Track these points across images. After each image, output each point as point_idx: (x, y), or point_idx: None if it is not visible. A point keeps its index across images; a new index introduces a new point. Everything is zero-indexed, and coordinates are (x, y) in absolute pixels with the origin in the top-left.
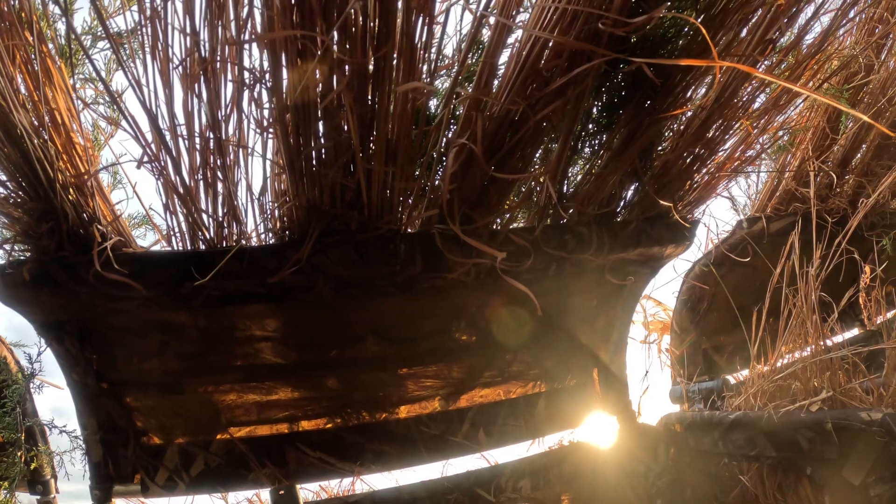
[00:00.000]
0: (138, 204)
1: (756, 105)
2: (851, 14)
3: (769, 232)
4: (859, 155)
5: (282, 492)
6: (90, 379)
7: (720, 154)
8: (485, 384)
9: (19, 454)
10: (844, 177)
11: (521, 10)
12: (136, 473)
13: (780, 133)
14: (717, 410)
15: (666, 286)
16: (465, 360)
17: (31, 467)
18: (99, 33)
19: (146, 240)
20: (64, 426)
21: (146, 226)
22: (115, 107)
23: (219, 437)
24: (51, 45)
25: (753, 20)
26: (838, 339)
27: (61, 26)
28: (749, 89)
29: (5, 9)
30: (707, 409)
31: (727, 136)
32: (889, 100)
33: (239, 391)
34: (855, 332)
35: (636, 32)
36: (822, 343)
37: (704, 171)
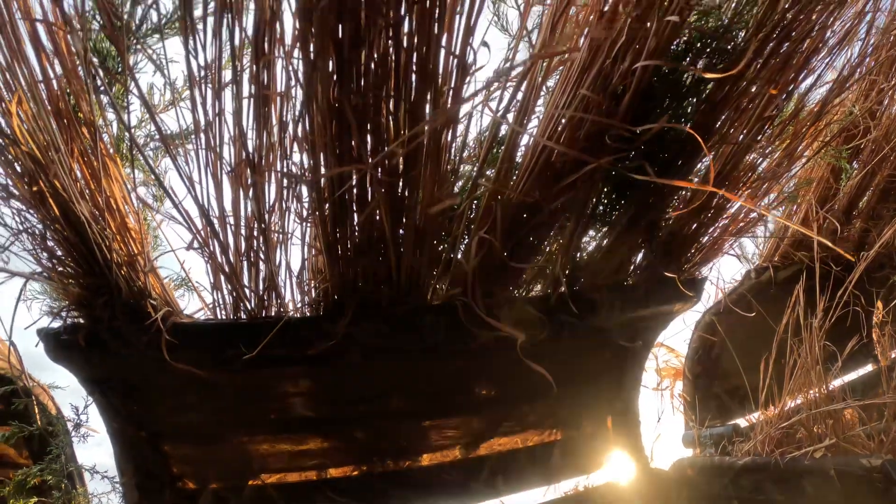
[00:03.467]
0: (180, 266)
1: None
2: (849, 83)
3: (776, 281)
4: (864, 199)
5: None
6: (130, 428)
7: (725, 217)
8: (503, 433)
9: (59, 497)
10: (850, 222)
11: (538, 107)
12: None
13: (784, 187)
14: (728, 456)
15: (678, 335)
16: (485, 413)
17: None
18: (152, 134)
19: (185, 298)
20: (105, 472)
21: (186, 286)
22: (164, 193)
23: (251, 482)
24: (106, 138)
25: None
26: (855, 374)
27: (112, 115)
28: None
29: (63, 106)
30: (718, 454)
31: (731, 201)
32: (893, 147)
33: (272, 441)
34: (869, 367)
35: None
36: (825, 391)
37: (709, 234)
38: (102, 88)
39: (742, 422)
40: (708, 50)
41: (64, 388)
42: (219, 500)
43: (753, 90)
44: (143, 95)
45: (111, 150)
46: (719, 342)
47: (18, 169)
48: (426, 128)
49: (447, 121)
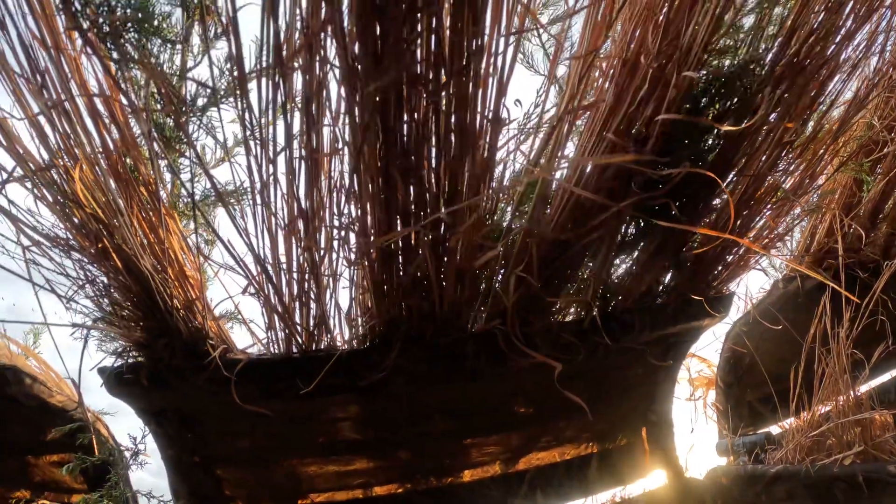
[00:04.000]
0: (235, 308)
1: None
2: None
3: (804, 290)
4: (889, 203)
5: None
6: (185, 455)
7: (750, 235)
8: (541, 448)
9: None
10: (876, 227)
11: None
12: None
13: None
14: (760, 464)
15: (710, 345)
16: (523, 429)
17: None
18: (207, 191)
19: (235, 330)
20: (161, 497)
21: (236, 320)
22: (220, 244)
23: (300, 502)
24: (162, 194)
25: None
26: (887, 377)
27: (168, 174)
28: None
29: (121, 169)
30: (751, 462)
31: (755, 221)
32: None
33: (320, 463)
34: None
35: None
36: (853, 400)
37: (735, 253)
38: (161, 155)
39: (775, 429)
40: (723, 90)
41: (113, 415)
42: None
43: (771, 120)
44: (199, 156)
45: (168, 207)
46: (750, 352)
47: (78, 223)
48: (465, 190)
49: (483, 172)
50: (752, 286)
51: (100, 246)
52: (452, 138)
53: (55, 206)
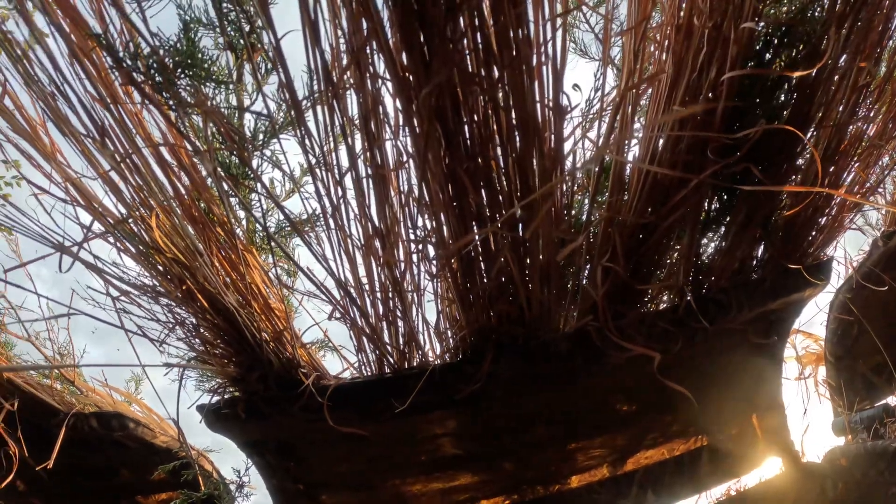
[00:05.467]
0: (324, 335)
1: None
2: None
3: None
4: None
5: None
6: (288, 483)
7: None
8: (648, 446)
9: None
10: None
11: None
12: None
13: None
14: (881, 439)
15: (813, 318)
16: (627, 428)
17: None
18: (282, 223)
19: (326, 358)
20: None
21: (328, 348)
22: (301, 272)
23: None
24: (239, 233)
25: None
26: None
27: (241, 212)
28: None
29: (196, 213)
30: (871, 438)
31: (842, 178)
32: None
33: (424, 482)
34: None
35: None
36: None
37: (827, 214)
38: (231, 193)
39: (892, 400)
40: (786, 39)
41: (218, 451)
42: None
43: (841, 64)
44: (269, 190)
45: (246, 243)
46: (857, 319)
47: (162, 270)
48: (537, 186)
49: (554, 164)
50: (850, 249)
51: (184, 288)
52: (516, 134)
53: (138, 257)
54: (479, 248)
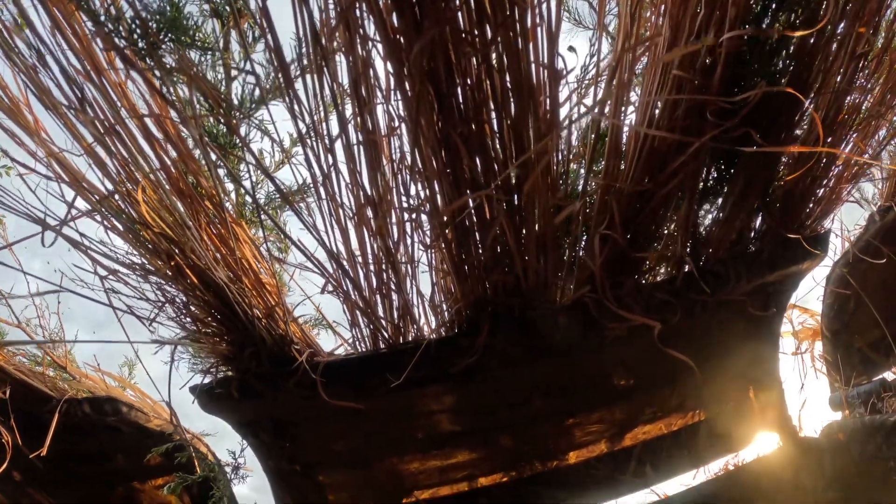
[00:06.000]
0: (316, 310)
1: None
2: None
3: None
4: None
5: None
6: (284, 464)
7: (838, 165)
8: (646, 421)
9: None
10: None
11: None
12: None
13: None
14: (879, 414)
15: (809, 293)
16: (626, 403)
17: None
18: (272, 194)
19: (321, 336)
20: None
21: (322, 326)
22: (291, 245)
23: (405, 501)
24: (229, 206)
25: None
26: None
27: (230, 184)
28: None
29: (184, 186)
30: (868, 412)
31: (841, 147)
32: None
33: (421, 459)
34: None
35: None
36: None
37: (825, 185)
38: (219, 163)
39: (890, 375)
40: (785, 2)
41: (213, 435)
42: None
43: (840, 31)
44: (258, 160)
45: (235, 217)
46: (854, 294)
47: (150, 247)
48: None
49: (549, 128)
50: (847, 223)
51: (172, 264)
52: (511, 97)
53: (125, 234)
54: (474, 217)
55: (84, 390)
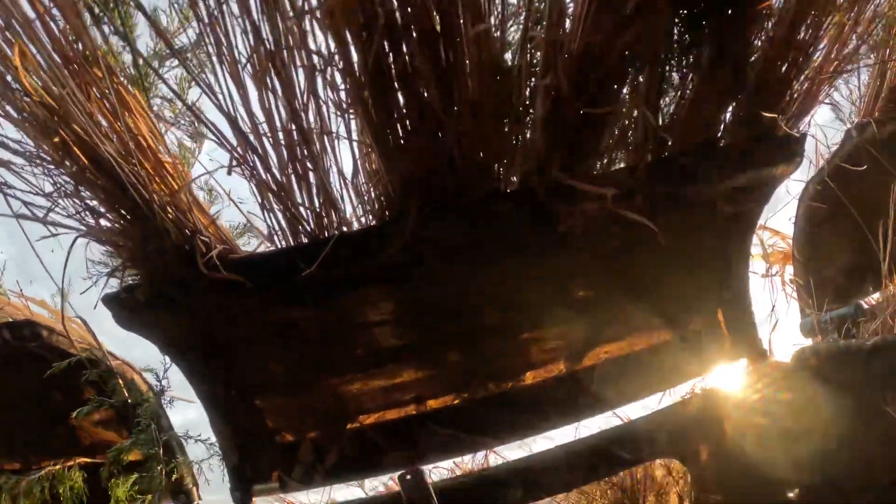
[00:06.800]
0: (237, 213)
1: None
2: None
3: (882, 136)
4: None
5: (409, 476)
6: (219, 389)
7: (816, 57)
8: (607, 340)
9: (159, 468)
10: None
11: None
12: (273, 472)
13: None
14: (854, 339)
15: (781, 212)
16: (586, 318)
17: (173, 478)
18: (165, 52)
19: (252, 247)
20: (199, 435)
21: (249, 233)
22: (194, 119)
23: (349, 426)
24: (121, 76)
25: None
26: None
27: (127, 56)
28: None
29: (71, 53)
30: (842, 338)
31: (820, 35)
32: None
33: (363, 379)
34: None
35: None
36: None
37: (802, 77)
38: (105, 19)
39: (864, 304)
40: None
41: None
42: (319, 448)
43: None
44: (148, 15)
45: (129, 87)
46: (828, 217)
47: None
48: None
49: None
50: (822, 140)
51: (56, 140)
52: None
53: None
54: (394, 71)
55: (6, 317)
